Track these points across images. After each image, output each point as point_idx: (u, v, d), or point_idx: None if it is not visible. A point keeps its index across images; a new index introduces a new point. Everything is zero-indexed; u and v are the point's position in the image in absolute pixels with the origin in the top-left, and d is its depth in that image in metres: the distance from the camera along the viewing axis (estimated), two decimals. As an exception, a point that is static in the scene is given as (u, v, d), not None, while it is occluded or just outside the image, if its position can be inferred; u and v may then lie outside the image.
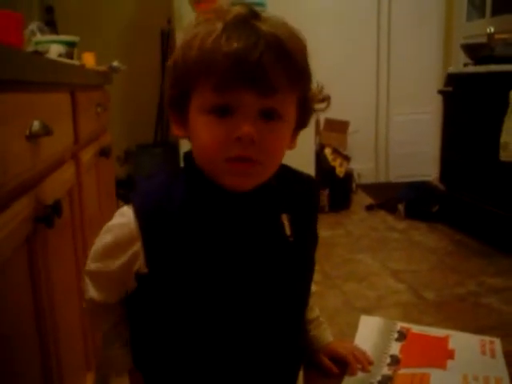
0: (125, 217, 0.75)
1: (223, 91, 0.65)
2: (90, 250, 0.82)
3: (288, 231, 0.77)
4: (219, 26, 0.65)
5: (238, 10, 0.67)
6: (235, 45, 0.63)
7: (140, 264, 0.73)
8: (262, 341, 0.77)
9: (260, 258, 0.75)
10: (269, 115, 0.68)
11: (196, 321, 0.74)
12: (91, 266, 0.81)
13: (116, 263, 0.75)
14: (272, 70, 0.64)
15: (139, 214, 0.73)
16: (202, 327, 0.74)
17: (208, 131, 0.68)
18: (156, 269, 0.72)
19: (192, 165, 0.75)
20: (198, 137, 0.70)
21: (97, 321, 0.88)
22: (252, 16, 0.67)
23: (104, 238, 0.78)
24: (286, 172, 0.82)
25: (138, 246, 0.72)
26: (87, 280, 0.83)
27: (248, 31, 0.64)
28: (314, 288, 0.96)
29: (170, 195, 0.73)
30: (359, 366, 0.89)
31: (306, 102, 0.74)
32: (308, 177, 0.87)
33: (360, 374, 0.87)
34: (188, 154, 0.76)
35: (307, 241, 0.83)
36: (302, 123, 0.77)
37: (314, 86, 0.77)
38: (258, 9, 0.69)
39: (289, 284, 0.78)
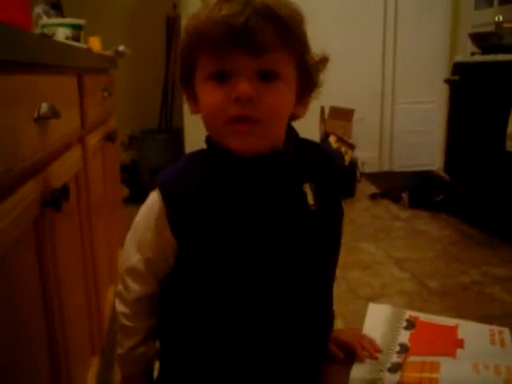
0: (150, 198, 0.81)
1: (218, 56, 0.70)
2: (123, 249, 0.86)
3: (311, 200, 0.78)
4: (214, 0, 0.71)
5: None
6: (224, 12, 0.68)
7: (170, 235, 0.77)
8: (288, 311, 0.78)
9: (281, 226, 0.76)
10: (266, 76, 0.71)
11: (220, 293, 0.77)
12: (132, 260, 0.83)
13: (153, 242, 0.80)
14: (259, 31, 0.68)
15: (161, 187, 0.78)
16: (227, 299, 0.77)
17: (209, 96, 0.73)
18: (182, 238, 0.76)
19: (211, 142, 0.79)
20: (203, 104, 0.75)
21: (138, 321, 0.86)
22: None
23: (136, 228, 0.83)
24: (308, 144, 0.85)
25: (164, 218, 0.77)
26: (127, 279, 0.84)
27: (238, 1, 0.69)
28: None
29: (191, 168, 0.78)
30: (366, 354, 0.89)
31: (304, 64, 0.77)
32: (332, 149, 0.91)
33: (369, 362, 0.87)
34: (209, 136, 0.81)
35: (331, 210, 0.83)
36: (306, 84, 0.79)
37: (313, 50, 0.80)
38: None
39: (313, 252, 0.79)
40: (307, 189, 0.78)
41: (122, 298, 0.85)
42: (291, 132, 0.80)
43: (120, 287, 0.85)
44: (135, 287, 0.83)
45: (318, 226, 0.79)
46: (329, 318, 0.90)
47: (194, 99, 0.79)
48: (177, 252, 0.78)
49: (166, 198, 0.76)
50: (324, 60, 0.81)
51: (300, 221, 0.77)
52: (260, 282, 0.76)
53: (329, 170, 0.83)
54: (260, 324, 0.77)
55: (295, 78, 0.76)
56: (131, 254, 0.82)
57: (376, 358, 0.88)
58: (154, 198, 0.79)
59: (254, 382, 0.80)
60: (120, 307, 0.85)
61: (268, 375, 0.80)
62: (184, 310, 0.81)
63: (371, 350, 0.90)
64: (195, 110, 0.80)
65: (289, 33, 0.71)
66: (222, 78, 0.71)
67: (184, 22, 0.79)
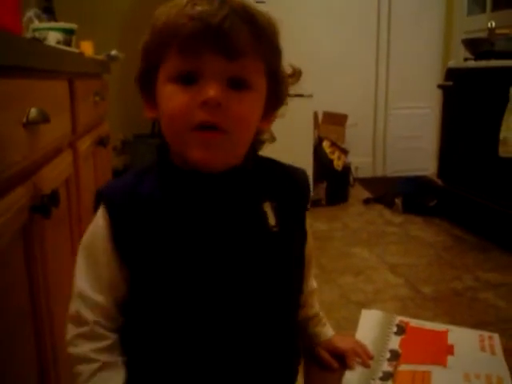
0: (97, 216, 0.71)
1: (188, 54, 0.65)
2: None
3: (272, 221, 0.72)
4: None
5: None
6: (199, 8, 0.64)
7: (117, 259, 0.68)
8: (248, 336, 0.71)
9: (238, 247, 0.70)
10: (236, 84, 0.66)
11: (177, 316, 0.69)
12: (81, 287, 0.72)
13: (104, 265, 0.70)
14: (236, 32, 0.64)
15: (107, 202, 0.70)
16: (184, 323, 0.69)
17: (172, 99, 0.66)
18: (130, 259, 0.68)
19: (164, 155, 0.73)
20: (164, 107, 0.68)
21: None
22: None
23: (90, 255, 0.72)
24: (271, 162, 0.80)
25: (110, 239, 0.68)
26: (78, 305, 0.71)
27: None
28: (314, 284, 0.94)
29: (140, 183, 0.71)
30: (359, 361, 0.88)
31: (276, 75, 0.72)
32: (299, 169, 0.82)
33: (360, 370, 0.86)
34: (160, 146, 0.75)
35: (294, 232, 0.77)
36: (275, 98, 0.73)
37: (286, 63, 0.75)
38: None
39: (273, 276, 0.72)
40: (268, 208, 0.73)
41: (83, 336, 0.70)
42: (251, 148, 0.74)
43: (79, 330, 0.71)
44: (99, 319, 0.70)
45: (279, 248, 0.73)
46: (292, 344, 0.81)
47: (151, 103, 0.72)
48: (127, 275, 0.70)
49: (111, 213, 0.68)
50: (297, 73, 0.76)
51: (259, 242, 0.71)
52: (216, 304, 0.69)
53: (292, 189, 0.78)
54: (219, 345, 0.70)
55: (265, 89, 0.71)
56: (89, 290, 0.70)
57: (368, 366, 0.87)
58: (100, 216, 0.70)
59: None
60: (84, 347, 0.70)
61: None
62: (142, 334, 0.72)
63: (364, 357, 0.89)
64: (152, 114, 0.73)
65: (264, 39, 0.67)
66: (188, 80, 0.65)
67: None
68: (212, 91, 0.64)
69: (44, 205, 0.87)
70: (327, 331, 0.94)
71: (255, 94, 0.68)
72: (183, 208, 0.69)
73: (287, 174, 0.79)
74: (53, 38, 1.48)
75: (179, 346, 0.70)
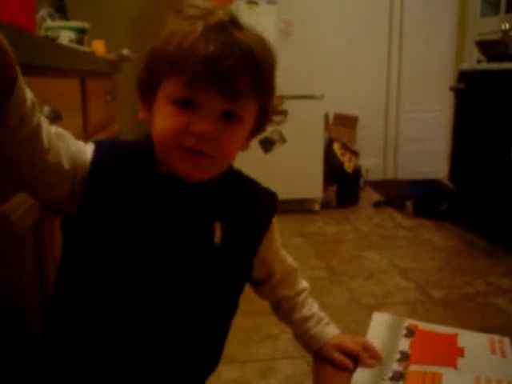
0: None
1: (192, 89, 0.68)
2: None
3: (217, 239, 0.78)
4: (200, 27, 0.68)
5: (220, 15, 0.70)
6: (212, 49, 0.66)
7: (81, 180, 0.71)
8: (173, 339, 0.77)
9: (178, 253, 0.75)
10: (229, 117, 0.71)
11: (103, 299, 0.73)
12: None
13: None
14: (241, 78, 0.68)
15: (95, 155, 0.74)
16: (107, 306, 0.73)
17: (169, 119, 0.70)
18: (87, 203, 0.71)
19: (150, 153, 0.77)
20: (159, 123, 0.72)
21: None
22: (232, 25, 0.70)
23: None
24: (241, 180, 0.85)
25: (86, 169, 0.72)
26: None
27: (226, 38, 0.68)
28: (303, 285, 0.96)
29: (128, 161, 0.76)
30: (371, 355, 0.88)
31: (265, 111, 0.78)
32: (269, 193, 0.88)
33: (370, 369, 0.86)
34: (148, 143, 0.77)
35: (239, 253, 0.82)
36: (258, 129, 0.80)
37: (275, 97, 0.79)
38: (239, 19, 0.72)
39: (203, 285, 0.78)
40: (217, 227, 0.78)
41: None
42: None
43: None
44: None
45: (215, 262, 0.79)
46: (215, 352, 0.87)
47: (148, 108, 0.76)
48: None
49: (93, 164, 0.72)
50: (284, 113, 0.83)
51: (198, 253, 0.77)
52: (143, 293, 0.74)
53: (252, 212, 0.83)
54: (136, 339, 0.75)
55: (252, 123, 0.77)
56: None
57: (381, 359, 0.87)
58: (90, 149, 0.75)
59: None
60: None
61: None
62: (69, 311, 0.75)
63: (376, 354, 0.89)
64: (147, 118, 0.77)
65: (263, 83, 0.72)
66: (185, 103, 0.69)
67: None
68: (206, 126, 0.69)
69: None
70: (331, 330, 0.94)
71: (242, 127, 0.74)
72: (147, 202, 0.74)
73: (255, 196, 0.85)
74: (65, 37, 1.48)
75: (100, 326, 0.74)
